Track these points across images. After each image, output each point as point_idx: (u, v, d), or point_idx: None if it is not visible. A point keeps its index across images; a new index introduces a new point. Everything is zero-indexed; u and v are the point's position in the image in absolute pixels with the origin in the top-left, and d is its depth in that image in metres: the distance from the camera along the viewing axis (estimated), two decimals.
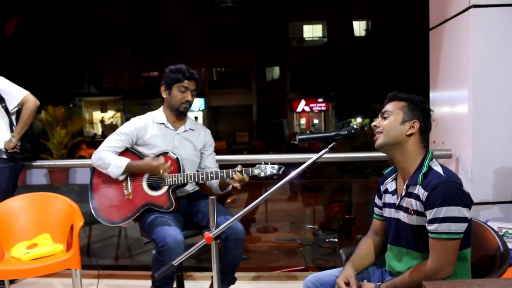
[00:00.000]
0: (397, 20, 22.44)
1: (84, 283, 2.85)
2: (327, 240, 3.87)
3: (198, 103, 24.67)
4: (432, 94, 3.40)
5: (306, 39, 27.22)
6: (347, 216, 5.38)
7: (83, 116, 23.77)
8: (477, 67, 2.86)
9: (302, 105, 26.88)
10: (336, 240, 4.45)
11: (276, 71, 27.92)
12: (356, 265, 1.91)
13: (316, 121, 27.69)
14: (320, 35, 27.01)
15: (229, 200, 5.59)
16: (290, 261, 4.50)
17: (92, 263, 3.75)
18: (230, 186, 2.56)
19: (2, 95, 3.14)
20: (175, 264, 1.65)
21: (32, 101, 3.14)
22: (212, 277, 1.89)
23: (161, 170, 2.43)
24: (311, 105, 26.92)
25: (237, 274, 2.66)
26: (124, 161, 2.48)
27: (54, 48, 23.46)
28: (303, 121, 27.80)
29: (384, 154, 1.84)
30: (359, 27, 25.93)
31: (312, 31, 27.32)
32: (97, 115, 25.82)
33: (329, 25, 26.06)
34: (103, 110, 25.18)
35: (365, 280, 1.84)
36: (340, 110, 22.90)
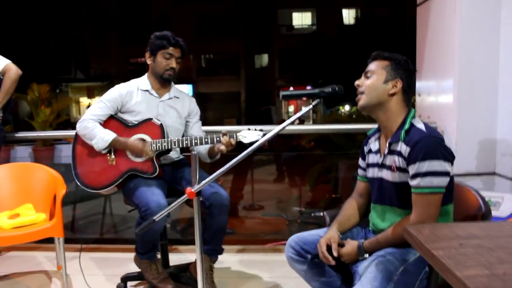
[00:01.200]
0: (386, 8, 22.50)
1: (68, 256, 2.83)
2: (312, 214, 3.88)
3: (186, 90, 24.55)
4: (418, 71, 3.41)
5: (295, 26, 27.13)
6: (333, 196, 5.41)
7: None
8: (463, 40, 2.88)
9: None
10: (321, 214, 4.46)
11: (264, 58, 27.83)
12: (341, 226, 1.91)
13: (304, 108, 27.65)
14: (309, 23, 26.94)
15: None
16: (275, 235, 4.51)
17: (76, 238, 3.73)
18: (219, 155, 2.55)
19: None
20: (157, 219, 1.63)
21: (14, 70, 3.08)
22: None
23: (144, 154, 2.43)
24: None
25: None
26: (110, 135, 2.46)
27: (40, 33, 23.10)
28: (291, 108, 27.79)
29: (365, 126, 1.83)
30: (348, 15, 25.92)
31: (301, 19, 27.23)
32: (84, 100, 25.55)
33: (318, 12, 26.02)
34: (90, 95, 24.95)
35: (348, 239, 1.84)
36: (328, 97, 22.87)
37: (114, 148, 2.50)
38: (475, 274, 0.90)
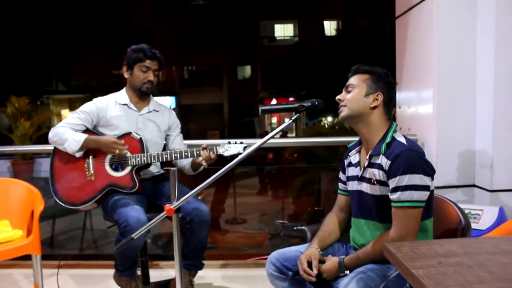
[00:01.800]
0: (366, 20, 22.78)
1: (46, 274, 2.77)
2: (295, 228, 3.85)
3: (169, 102, 24.47)
4: (398, 82, 3.44)
5: (277, 38, 27.26)
6: (316, 208, 5.40)
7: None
8: (441, 53, 2.91)
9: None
10: (304, 227, 4.44)
11: (247, 70, 27.89)
12: (321, 242, 1.90)
13: (288, 119, 27.74)
14: (292, 34, 27.12)
15: (199, 198, 5.55)
16: (258, 250, 4.48)
17: (55, 254, 3.65)
18: (202, 167, 2.52)
19: None
20: (135, 237, 1.60)
21: None
22: None
23: (118, 149, 2.37)
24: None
25: (205, 263, 2.63)
26: (82, 136, 2.41)
27: (21, 44, 22.84)
28: (274, 120, 27.81)
29: (346, 139, 1.83)
30: (329, 27, 26.15)
31: (284, 30, 27.40)
32: (65, 113, 25.28)
33: (300, 24, 26.21)
34: (72, 108, 24.69)
35: (329, 255, 1.83)
36: (308, 111, 22.98)
37: (87, 148, 2.43)
38: None
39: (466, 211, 2.63)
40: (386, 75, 1.78)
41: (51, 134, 2.47)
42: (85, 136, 2.41)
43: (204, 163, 2.35)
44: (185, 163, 2.56)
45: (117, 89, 2.63)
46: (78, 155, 2.43)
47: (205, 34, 25.71)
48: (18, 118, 6.95)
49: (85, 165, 2.46)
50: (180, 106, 26.10)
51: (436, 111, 2.93)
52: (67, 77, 25.95)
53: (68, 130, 2.43)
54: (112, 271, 2.59)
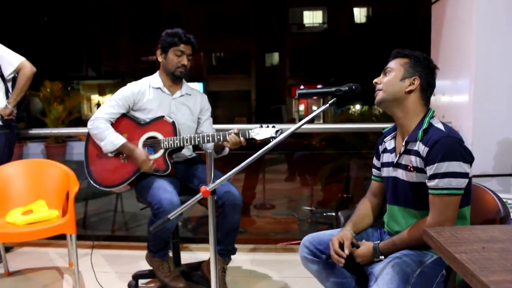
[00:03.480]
0: (397, 7, 22.32)
1: (80, 253, 2.83)
2: (324, 214, 3.85)
3: (197, 88, 24.56)
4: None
5: (306, 25, 27.01)
6: (345, 196, 5.37)
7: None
8: (480, 39, 2.84)
9: None
10: (333, 214, 4.43)
11: (275, 57, 27.77)
12: (355, 226, 1.88)
13: (315, 107, 27.61)
14: (320, 21, 26.83)
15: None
16: (286, 235, 4.49)
17: (88, 234, 3.74)
18: (226, 150, 2.53)
19: None
20: (171, 218, 1.62)
21: (28, 67, 3.09)
22: None
23: (146, 166, 2.41)
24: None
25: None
26: (120, 140, 2.45)
27: (51, 31, 23.22)
28: (302, 107, 27.73)
29: (377, 125, 1.80)
30: (359, 14, 25.75)
31: (312, 17, 27.12)
32: (95, 98, 25.69)
33: (330, 11, 25.89)
34: (101, 93, 25.08)
35: (363, 240, 1.82)
36: (345, 96, 22.77)
37: (121, 152, 2.49)
38: (502, 279, 0.87)
39: (504, 200, 2.57)
40: (425, 59, 1.74)
41: (91, 125, 2.51)
42: (122, 141, 2.44)
43: (228, 145, 2.35)
44: (209, 145, 2.57)
45: (146, 74, 2.64)
46: (110, 155, 2.49)
47: (233, 21, 25.68)
48: (51, 102, 7.09)
49: None
50: (208, 93, 25.73)
51: (473, 98, 2.87)
52: (96, 63, 26.34)
53: (109, 128, 2.48)
54: (143, 253, 2.63)
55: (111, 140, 2.45)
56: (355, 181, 5.13)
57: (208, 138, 2.37)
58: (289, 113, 26.34)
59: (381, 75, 1.78)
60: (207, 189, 1.57)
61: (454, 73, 3.12)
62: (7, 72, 3.10)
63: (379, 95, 1.75)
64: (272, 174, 6.33)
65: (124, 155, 2.48)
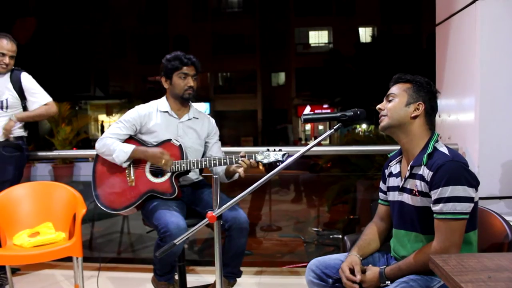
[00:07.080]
0: (402, 26, 22.45)
1: (86, 275, 2.84)
2: (331, 236, 3.81)
3: (204, 108, 24.71)
4: (438, 90, 3.37)
5: (311, 44, 27.24)
6: (351, 217, 5.33)
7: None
8: (485, 60, 2.84)
9: (307, 111, 26.81)
10: (340, 236, 4.40)
11: (281, 77, 27.93)
12: (361, 250, 1.88)
13: (321, 127, 27.64)
14: (326, 41, 27.02)
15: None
16: (293, 257, 4.47)
17: (94, 256, 3.73)
18: (237, 175, 2.52)
19: (26, 94, 3.15)
20: (177, 243, 1.62)
21: (53, 108, 3.27)
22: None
23: (164, 160, 2.40)
24: (316, 111, 26.85)
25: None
26: (130, 146, 2.47)
27: (60, 51, 23.52)
28: (308, 127, 27.74)
29: (385, 147, 1.81)
30: (365, 33, 25.91)
31: (318, 37, 27.33)
32: (102, 118, 25.87)
33: (335, 31, 26.08)
34: (109, 113, 25.25)
35: (370, 265, 1.81)
36: (350, 120, 22.74)
37: (135, 159, 2.49)
38: None
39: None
40: (428, 84, 1.76)
41: (98, 145, 2.53)
42: (133, 147, 2.46)
43: (241, 171, 2.35)
44: (219, 170, 2.58)
45: (153, 95, 2.67)
46: (125, 165, 2.49)
47: (239, 41, 25.94)
48: (59, 123, 7.14)
49: (126, 171, 2.51)
50: (214, 112, 26.31)
51: (478, 119, 2.86)
52: (104, 83, 26.57)
53: (115, 141, 2.50)
54: (149, 275, 2.63)
55: (122, 149, 2.46)
56: (362, 202, 5.09)
57: (214, 161, 2.38)
58: (295, 133, 26.37)
59: (384, 101, 1.79)
60: (213, 214, 1.58)
61: (460, 93, 3.13)
62: (32, 107, 3.20)
63: (384, 121, 1.76)
64: (278, 195, 6.30)
65: (132, 177, 2.49)
